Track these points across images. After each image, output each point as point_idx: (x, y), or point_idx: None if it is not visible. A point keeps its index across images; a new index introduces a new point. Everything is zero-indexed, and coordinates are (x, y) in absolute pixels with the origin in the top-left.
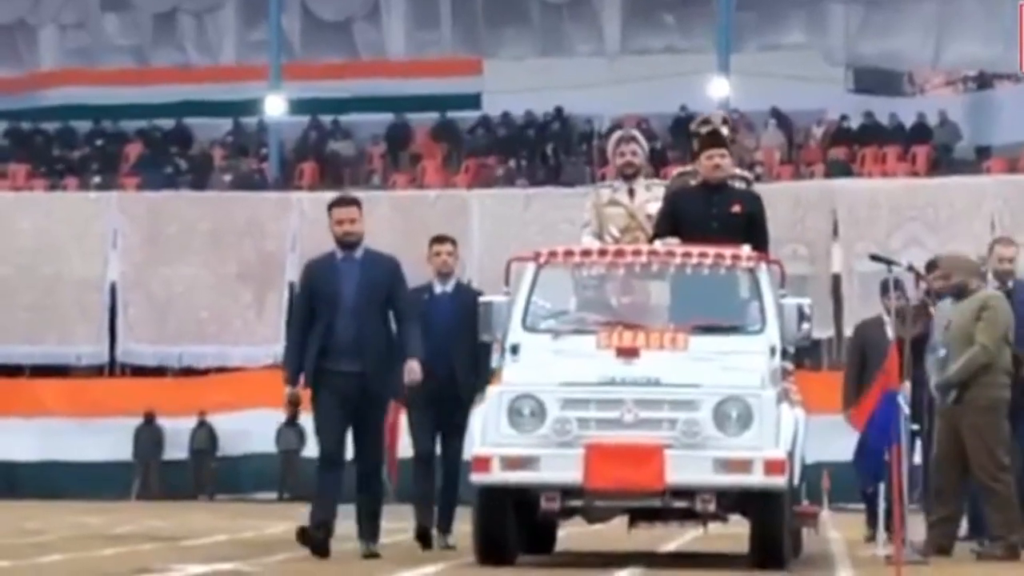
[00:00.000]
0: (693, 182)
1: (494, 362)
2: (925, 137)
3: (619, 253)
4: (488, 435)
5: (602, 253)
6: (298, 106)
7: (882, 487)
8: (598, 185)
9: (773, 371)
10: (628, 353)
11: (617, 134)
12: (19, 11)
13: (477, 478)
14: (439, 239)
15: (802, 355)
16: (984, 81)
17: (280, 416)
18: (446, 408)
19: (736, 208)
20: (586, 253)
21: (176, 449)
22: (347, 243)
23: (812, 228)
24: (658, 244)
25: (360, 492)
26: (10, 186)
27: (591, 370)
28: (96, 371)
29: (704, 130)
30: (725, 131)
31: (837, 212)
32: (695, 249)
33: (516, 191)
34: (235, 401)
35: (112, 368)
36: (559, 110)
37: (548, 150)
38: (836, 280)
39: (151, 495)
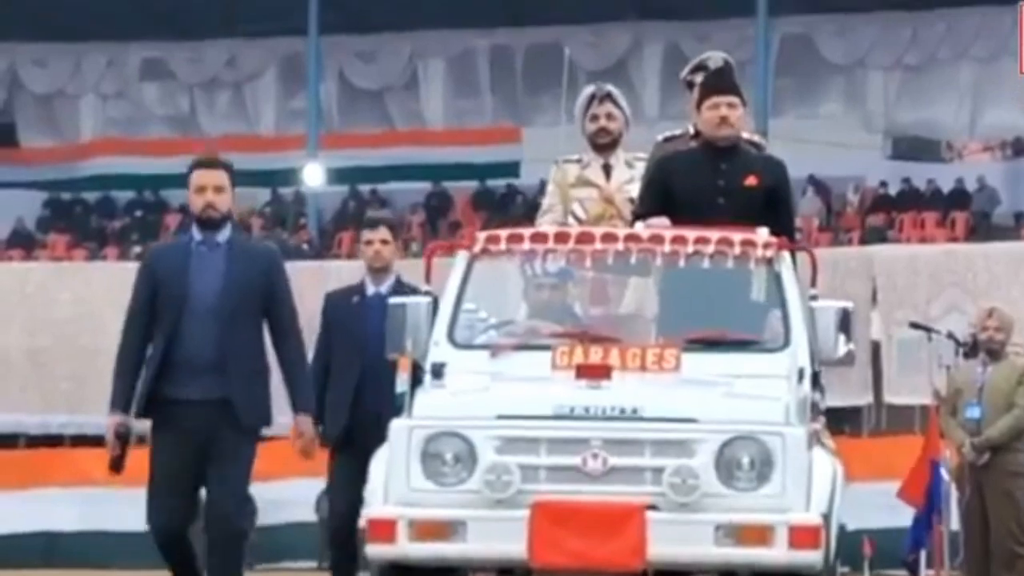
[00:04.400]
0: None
1: (399, 386)
2: (964, 203)
3: (585, 238)
4: (392, 490)
5: (561, 238)
6: (337, 175)
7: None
8: (562, 159)
9: (801, 401)
10: (595, 374)
11: (587, 90)
12: (59, 81)
13: (375, 551)
14: (371, 223)
15: (842, 421)
16: (1020, 147)
17: (320, 484)
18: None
19: (751, 180)
20: (539, 238)
21: None
22: (208, 220)
23: (851, 294)
24: (640, 227)
25: (210, 553)
26: (49, 256)
27: (542, 398)
28: (137, 441)
29: (697, 78)
30: None
31: (876, 278)
32: (691, 233)
33: None
34: (274, 469)
35: None
36: None
37: None
38: (875, 347)
39: None
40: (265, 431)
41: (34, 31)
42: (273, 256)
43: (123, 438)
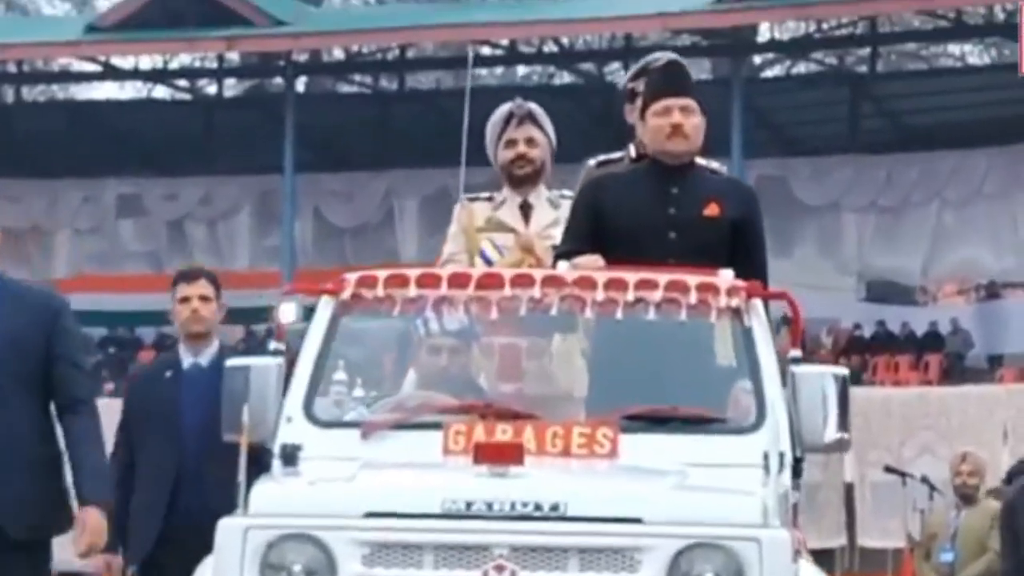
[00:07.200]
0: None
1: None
2: (937, 346)
3: (491, 281)
4: None
5: (458, 281)
6: (311, 313)
7: None
8: (467, 197)
9: (781, 497)
10: (501, 457)
11: (503, 109)
12: (34, 217)
13: None
14: (187, 275)
15: (815, 563)
16: (994, 291)
17: None
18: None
19: (711, 209)
20: (429, 280)
21: None
22: None
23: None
24: (564, 267)
25: None
26: None
27: (428, 490)
28: None
29: (641, 86)
30: None
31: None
32: (632, 275)
33: None
34: None
35: None
36: None
37: None
38: (849, 489)
39: None
40: None
41: (9, 167)
42: (56, 304)
43: None
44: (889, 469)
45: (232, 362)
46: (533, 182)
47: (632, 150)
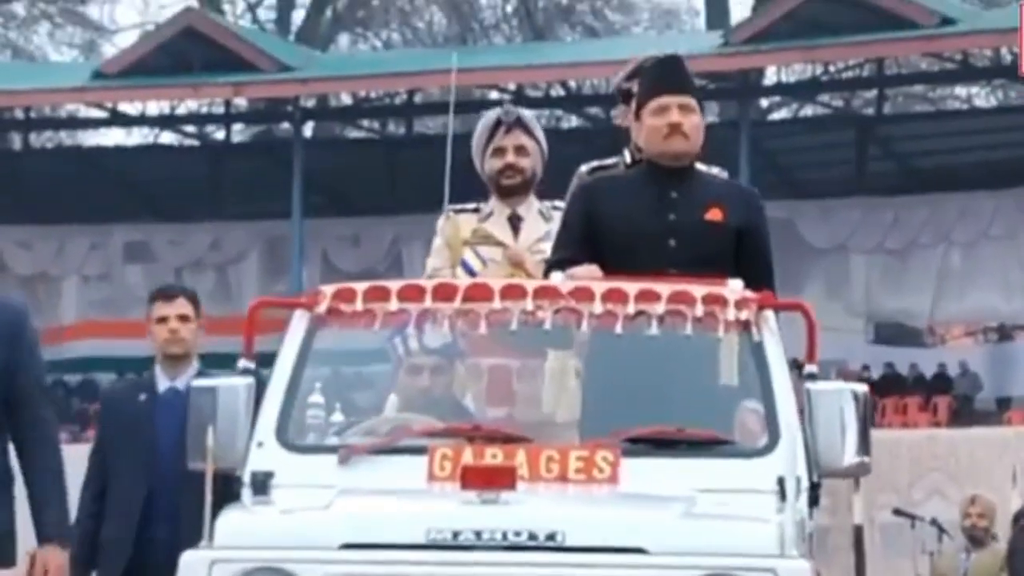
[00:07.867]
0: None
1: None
2: (946, 388)
3: (478, 293)
4: None
5: (443, 293)
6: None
7: None
8: (453, 208)
9: (798, 525)
10: (492, 482)
11: (490, 115)
12: (42, 263)
13: None
14: (164, 293)
15: None
16: (1004, 333)
17: None
18: None
19: (714, 214)
20: (412, 293)
21: None
22: None
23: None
24: (558, 278)
25: None
26: None
27: (411, 518)
28: None
29: (636, 86)
30: None
31: None
32: (632, 286)
33: None
34: None
35: None
36: None
37: None
38: (858, 532)
39: None
40: None
41: (17, 213)
42: (18, 312)
43: None
44: (898, 512)
45: (198, 382)
46: (523, 193)
47: (627, 155)
